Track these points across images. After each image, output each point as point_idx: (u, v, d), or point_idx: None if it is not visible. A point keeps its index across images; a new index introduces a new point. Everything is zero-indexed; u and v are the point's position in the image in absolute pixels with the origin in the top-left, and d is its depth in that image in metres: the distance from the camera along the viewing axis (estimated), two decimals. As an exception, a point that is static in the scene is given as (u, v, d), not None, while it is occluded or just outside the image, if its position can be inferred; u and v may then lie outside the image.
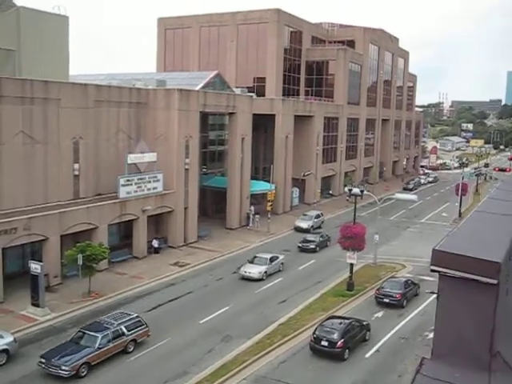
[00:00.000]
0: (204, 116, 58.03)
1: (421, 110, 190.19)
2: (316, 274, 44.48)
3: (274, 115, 66.84)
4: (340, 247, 41.49)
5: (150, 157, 47.49)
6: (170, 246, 50.42)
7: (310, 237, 53.50)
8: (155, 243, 48.61)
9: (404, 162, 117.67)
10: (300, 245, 51.99)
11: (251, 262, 44.06)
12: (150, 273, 42.86)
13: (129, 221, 46.34)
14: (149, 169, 47.53)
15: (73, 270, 38.24)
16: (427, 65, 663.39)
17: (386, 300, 37.50)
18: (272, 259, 44.73)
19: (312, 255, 50.32)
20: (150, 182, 47.44)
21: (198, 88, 56.01)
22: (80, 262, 35.67)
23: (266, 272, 43.24)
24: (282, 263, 45.75)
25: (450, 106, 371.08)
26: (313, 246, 51.82)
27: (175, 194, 50.01)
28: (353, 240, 39.85)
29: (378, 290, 38.71)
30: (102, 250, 37.31)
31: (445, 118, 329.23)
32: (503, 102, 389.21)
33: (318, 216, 62.09)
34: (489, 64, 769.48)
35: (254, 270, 42.77)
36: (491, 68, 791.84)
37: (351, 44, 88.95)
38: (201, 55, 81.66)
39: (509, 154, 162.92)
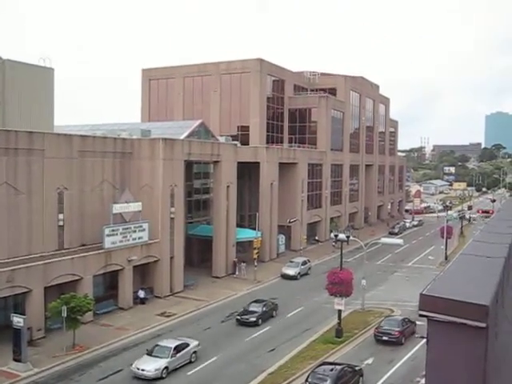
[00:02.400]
0: (189, 165, 58.29)
1: (403, 154, 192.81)
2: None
3: (258, 163, 67.21)
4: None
5: (135, 206, 47.37)
6: (157, 296, 49.78)
7: (252, 307, 44.79)
8: (141, 293, 47.99)
9: (389, 207, 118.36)
10: (239, 317, 43.65)
11: (150, 353, 33.84)
12: (135, 324, 42.18)
13: (114, 271, 45.82)
14: (134, 218, 47.34)
15: (57, 323, 37.56)
16: (409, 110, 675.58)
17: (385, 338, 38.09)
18: (178, 348, 34.45)
19: (254, 330, 42.23)
20: (135, 231, 47.19)
21: (182, 137, 56.47)
22: (64, 314, 35.06)
23: (166, 368, 32.75)
24: (195, 352, 35.44)
25: (432, 150, 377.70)
26: (253, 319, 43.26)
27: (161, 244, 49.70)
28: (340, 286, 39.67)
29: (376, 328, 39.28)
30: (86, 302, 36.75)
31: (427, 161, 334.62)
32: (483, 145, 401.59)
33: (304, 262, 61.64)
34: (468, 108, 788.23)
35: (150, 367, 32.33)
36: (470, 112, 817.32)
37: (333, 91, 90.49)
38: (185, 105, 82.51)
39: (491, 196, 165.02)
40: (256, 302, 45.89)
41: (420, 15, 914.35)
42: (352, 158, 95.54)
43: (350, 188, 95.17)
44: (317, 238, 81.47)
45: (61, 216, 43.62)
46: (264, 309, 44.67)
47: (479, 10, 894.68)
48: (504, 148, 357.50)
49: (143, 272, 49.81)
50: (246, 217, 72.33)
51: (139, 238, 47.50)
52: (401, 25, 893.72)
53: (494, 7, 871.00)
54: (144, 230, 47.92)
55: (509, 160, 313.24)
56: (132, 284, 46.95)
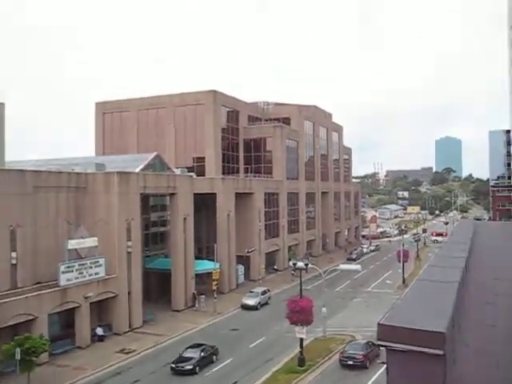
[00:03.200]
0: (145, 197, 57.77)
1: (358, 180, 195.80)
2: None
3: (215, 194, 67.00)
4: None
5: (91, 242, 46.54)
6: (115, 333, 48.68)
7: (188, 352, 40.67)
8: (99, 331, 46.87)
9: (346, 233, 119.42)
10: (173, 365, 39.27)
11: None
12: (94, 363, 41.04)
13: (71, 309, 44.65)
14: (90, 254, 46.45)
15: (10, 366, 36.08)
16: (362, 137, 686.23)
17: (350, 362, 38.41)
18: None
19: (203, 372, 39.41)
20: (91, 267, 46.28)
21: (137, 170, 56.04)
22: (18, 356, 33.81)
23: None
24: None
25: (386, 176, 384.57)
26: (190, 367, 39.18)
27: (118, 279, 48.82)
28: (301, 314, 39.60)
29: (341, 353, 39.55)
30: (42, 343, 35.59)
31: (381, 187, 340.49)
32: (434, 170, 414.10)
33: (264, 292, 61.33)
34: (418, 134, 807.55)
35: None
36: (421, 137, 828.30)
37: (287, 121, 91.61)
38: (140, 138, 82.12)
39: (444, 218, 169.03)
40: (193, 346, 41.90)
41: (369, 41, 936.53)
42: (308, 186, 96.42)
43: (306, 216, 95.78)
44: (276, 267, 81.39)
45: (13, 254, 42.46)
46: (202, 354, 40.53)
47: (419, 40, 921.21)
48: (454, 171, 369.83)
49: (101, 308, 48.72)
50: (204, 248, 71.62)
51: (96, 274, 46.58)
52: (350, 53, 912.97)
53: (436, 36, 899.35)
54: (100, 265, 47.06)
55: (459, 183, 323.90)
56: (89, 321, 45.82)
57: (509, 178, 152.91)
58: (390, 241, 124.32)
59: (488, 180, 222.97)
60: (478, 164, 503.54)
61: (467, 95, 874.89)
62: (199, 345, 42.32)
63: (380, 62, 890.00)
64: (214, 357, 41.90)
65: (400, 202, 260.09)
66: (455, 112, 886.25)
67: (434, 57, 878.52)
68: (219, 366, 40.58)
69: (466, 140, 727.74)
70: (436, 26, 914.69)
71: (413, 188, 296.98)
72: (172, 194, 58.44)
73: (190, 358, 39.87)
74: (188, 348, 41.58)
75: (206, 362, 40.60)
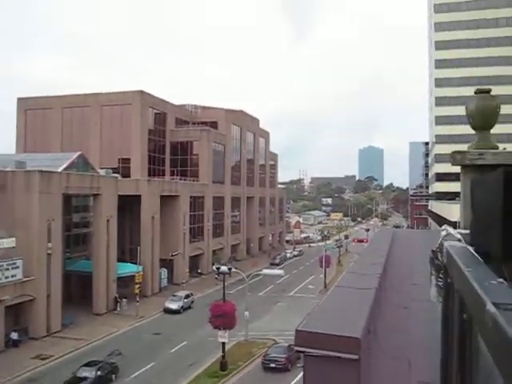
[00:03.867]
0: (67, 198, 56.29)
1: (283, 186, 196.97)
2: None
3: (139, 196, 66.03)
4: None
5: (8, 242, 44.79)
6: (32, 338, 46.91)
7: (82, 371, 36.67)
8: (14, 335, 45.03)
9: (270, 238, 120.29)
10: None
11: None
12: (6, 369, 38.99)
13: (-16, 312, 42.77)
14: (7, 255, 44.68)
15: None
16: (288, 143, 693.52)
17: (273, 365, 38.86)
18: None
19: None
20: (7, 269, 44.52)
21: (60, 169, 54.51)
22: None
23: None
24: None
25: (310, 182, 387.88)
26: None
27: (36, 281, 47.17)
28: (223, 318, 39.67)
29: (263, 356, 39.77)
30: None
31: (306, 193, 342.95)
32: (357, 178, 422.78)
33: (187, 296, 60.83)
34: (342, 142, 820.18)
35: None
36: (344, 146, 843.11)
37: (214, 125, 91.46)
38: (64, 136, 79.84)
39: (365, 225, 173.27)
40: (88, 365, 37.79)
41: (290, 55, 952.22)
42: (233, 191, 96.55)
43: (231, 220, 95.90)
44: (200, 270, 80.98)
45: None
46: (99, 373, 36.77)
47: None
48: (376, 180, 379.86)
49: (17, 312, 46.84)
50: (128, 251, 70.29)
51: (12, 276, 44.84)
52: (277, 59, 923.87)
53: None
54: (18, 267, 45.37)
55: (380, 191, 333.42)
56: (3, 325, 44.00)
57: (426, 187, 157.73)
58: (311, 246, 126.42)
59: (407, 189, 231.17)
60: (398, 173, 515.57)
61: (390, 107, 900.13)
62: (96, 362, 38.36)
63: (308, 65, 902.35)
64: (113, 375, 38.50)
65: (324, 208, 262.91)
66: (378, 122, 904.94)
67: (361, 68, 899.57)
68: (139, 371, 39.90)
69: (388, 150, 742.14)
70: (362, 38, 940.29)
71: (336, 195, 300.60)
72: (95, 195, 57.26)
73: (84, 378, 36.02)
74: (83, 366, 37.55)
75: (103, 381, 36.91)
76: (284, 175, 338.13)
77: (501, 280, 2.26)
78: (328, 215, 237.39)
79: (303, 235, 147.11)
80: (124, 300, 57.79)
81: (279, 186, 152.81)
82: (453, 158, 5.02)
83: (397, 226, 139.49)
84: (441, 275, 4.69)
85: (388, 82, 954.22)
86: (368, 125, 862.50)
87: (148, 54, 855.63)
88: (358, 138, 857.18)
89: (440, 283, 4.82)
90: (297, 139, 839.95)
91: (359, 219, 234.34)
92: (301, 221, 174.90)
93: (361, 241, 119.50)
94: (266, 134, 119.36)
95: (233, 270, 47.85)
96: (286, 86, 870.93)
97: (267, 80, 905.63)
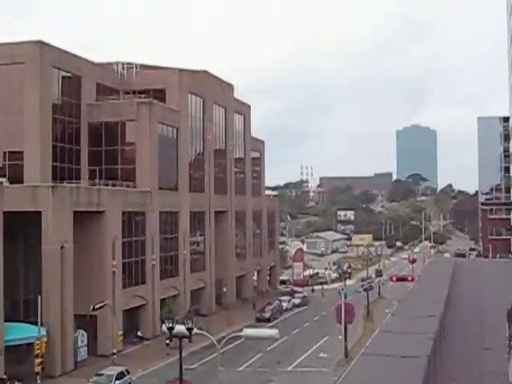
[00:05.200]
0: None
1: (275, 193, 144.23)
2: None
3: (39, 213, 45.11)
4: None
5: None
6: None
7: None
8: None
9: (254, 277, 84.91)
10: None
11: None
12: None
13: None
14: None
15: None
16: (282, 123, 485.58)
17: None
18: None
19: None
20: None
21: None
22: None
23: None
24: None
25: (319, 186, 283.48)
26: None
27: None
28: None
29: None
30: None
31: (312, 203, 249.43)
32: (394, 177, 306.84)
33: (120, 376, 42.99)
34: (369, 121, 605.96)
35: None
36: (373, 127, 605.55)
37: (160, 95, 63.26)
38: None
39: (408, 254, 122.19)
40: None
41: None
42: (194, 202, 67.23)
43: (191, 250, 67.64)
44: (140, 333, 56.90)
45: None
46: None
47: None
48: (425, 180, 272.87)
49: None
50: (22, 303, 50.96)
51: None
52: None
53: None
54: None
55: (432, 197, 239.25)
56: None
57: (507, 190, 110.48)
58: (324, 289, 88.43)
59: (476, 194, 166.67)
60: (461, 168, 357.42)
61: (444, 67, 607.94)
62: None
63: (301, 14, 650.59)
64: None
65: (341, 227, 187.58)
66: (427, 89, 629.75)
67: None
68: None
69: (443, 131, 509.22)
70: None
71: (362, 206, 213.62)
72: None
73: None
74: None
75: None
76: (276, 175, 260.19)
77: None
78: (349, 238, 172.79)
79: (309, 272, 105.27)
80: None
81: (268, 192, 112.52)
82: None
83: (460, 255, 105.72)
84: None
85: (439, 29, 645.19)
86: (411, 93, 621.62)
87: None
88: (394, 114, 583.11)
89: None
90: (296, 116, 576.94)
91: (399, 244, 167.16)
92: (305, 249, 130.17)
93: (403, 279, 75.66)
94: (245, 109, 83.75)
95: (196, 331, 33.21)
96: (278, 34, 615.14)
97: (248, 23, 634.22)
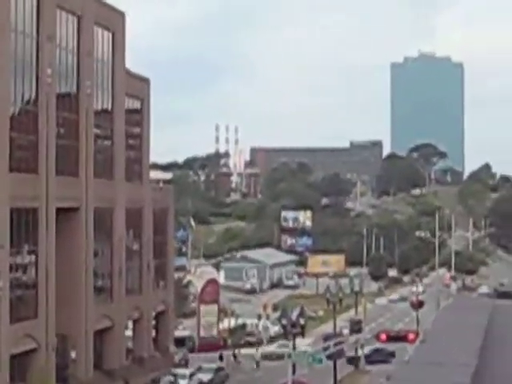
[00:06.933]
0: None
1: (169, 176, 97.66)
2: None
3: None
4: None
5: None
6: None
7: None
8: None
9: (128, 332, 50.05)
10: None
11: None
12: None
13: None
14: None
15: None
16: (186, 46, 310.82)
17: None
18: None
19: None
20: None
21: None
22: None
23: None
24: None
25: (248, 164, 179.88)
26: None
27: None
28: None
29: None
30: None
31: (236, 197, 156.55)
32: (386, 149, 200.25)
33: None
34: (344, 49, 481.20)
35: None
36: (349, 57, 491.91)
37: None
38: None
39: (409, 290, 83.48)
40: None
41: None
42: (17, 189, 36.98)
43: (11, 279, 35.63)
44: None
45: None
46: None
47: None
48: (442, 156, 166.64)
49: None
50: None
51: None
52: None
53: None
54: None
55: (453, 187, 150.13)
56: None
57: None
58: (258, 354, 53.64)
59: None
60: (507, 139, 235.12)
61: None
62: None
63: None
64: None
65: (289, 241, 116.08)
66: None
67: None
68: None
69: (470, 66, 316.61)
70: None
71: (328, 203, 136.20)
72: None
73: None
74: None
75: None
76: (172, 143, 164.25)
77: None
78: (302, 261, 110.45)
79: (229, 323, 64.85)
80: None
81: (156, 174, 75.77)
82: None
83: (505, 294, 64.14)
84: None
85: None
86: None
87: None
88: (389, 36, 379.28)
89: None
90: (209, 36, 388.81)
91: (393, 273, 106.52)
92: (221, 280, 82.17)
93: (398, 338, 47.51)
94: (116, 20, 48.60)
95: None
96: None
97: None
